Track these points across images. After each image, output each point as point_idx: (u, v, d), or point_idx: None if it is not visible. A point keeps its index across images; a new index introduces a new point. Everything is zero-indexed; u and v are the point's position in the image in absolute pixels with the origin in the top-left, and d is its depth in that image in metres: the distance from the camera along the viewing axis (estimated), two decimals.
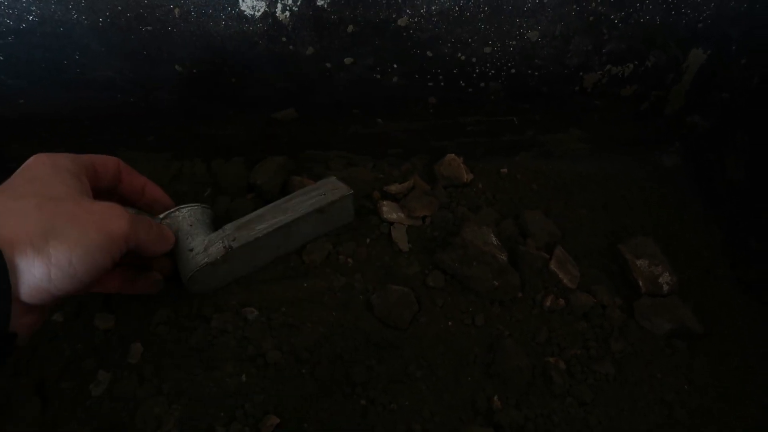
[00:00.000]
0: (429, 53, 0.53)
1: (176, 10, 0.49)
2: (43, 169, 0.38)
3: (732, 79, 0.59)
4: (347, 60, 0.54)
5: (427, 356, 0.48)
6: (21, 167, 0.39)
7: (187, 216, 0.49)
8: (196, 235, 0.49)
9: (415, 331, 0.50)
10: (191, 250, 0.48)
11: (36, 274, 0.32)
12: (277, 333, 0.49)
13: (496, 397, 0.45)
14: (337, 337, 0.49)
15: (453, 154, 0.63)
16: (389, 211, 0.58)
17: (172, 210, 0.49)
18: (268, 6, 0.49)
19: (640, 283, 0.53)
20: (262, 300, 0.51)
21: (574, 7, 0.51)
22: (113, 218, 0.37)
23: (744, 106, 0.60)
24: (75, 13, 0.48)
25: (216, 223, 0.52)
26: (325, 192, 0.52)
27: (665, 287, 0.53)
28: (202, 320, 0.50)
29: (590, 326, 0.51)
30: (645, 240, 0.56)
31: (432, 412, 0.45)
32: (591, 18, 0.52)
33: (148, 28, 0.50)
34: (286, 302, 0.51)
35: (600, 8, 0.51)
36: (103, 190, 0.47)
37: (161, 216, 0.49)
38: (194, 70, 0.54)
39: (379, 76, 0.56)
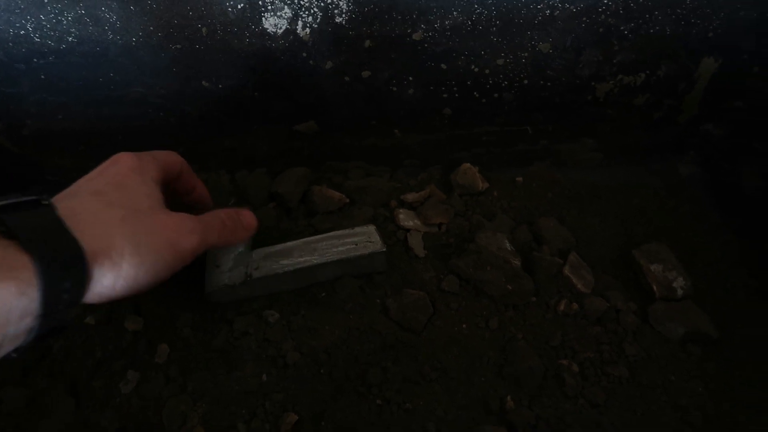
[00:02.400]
0: (443, 66, 0.55)
1: (204, 29, 0.52)
2: (132, 178, 0.39)
3: (745, 88, 0.60)
4: (364, 73, 0.56)
5: (441, 358, 0.49)
6: (108, 168, 0.40)
7: None
8: (228, 251, 0.51)
9: (430, 334, 0.51)
10: (218, 266, 0.51)
11: (104, 283, 0.33)
12: (296, 335, 0.51)
13: (509, 397, 0.46)
14: (353, 340, 0.51)
15: (468, 163, 0.64)
16: (405, 219, 0.60)
17: None
18: (289, 24, 0.51)
19: (654, 287, 0.53)
20: (283, 303, 0.53)
21: (584, 19, 0.53)
22: (185, 235, 0.38)
23: (759, 114, 0.61)
24: (110, 34, 0.51)
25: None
26: (357, 242, 0.52)
27: (679, 291, 0.53)
28: (225, 323, 0.52)
29: (604, 330, 0.52)
30: (659, 246, 0.56)
31: (446, 411, 0.46)
32: (601, 29, 0.53)
33: (177, 46, 0.53)
34: (305, 306, 0.53)
35: (609, 20, 0.53)
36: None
37: None
38: (220, 86, 0.57)
39: (395, 89, 0.58)
